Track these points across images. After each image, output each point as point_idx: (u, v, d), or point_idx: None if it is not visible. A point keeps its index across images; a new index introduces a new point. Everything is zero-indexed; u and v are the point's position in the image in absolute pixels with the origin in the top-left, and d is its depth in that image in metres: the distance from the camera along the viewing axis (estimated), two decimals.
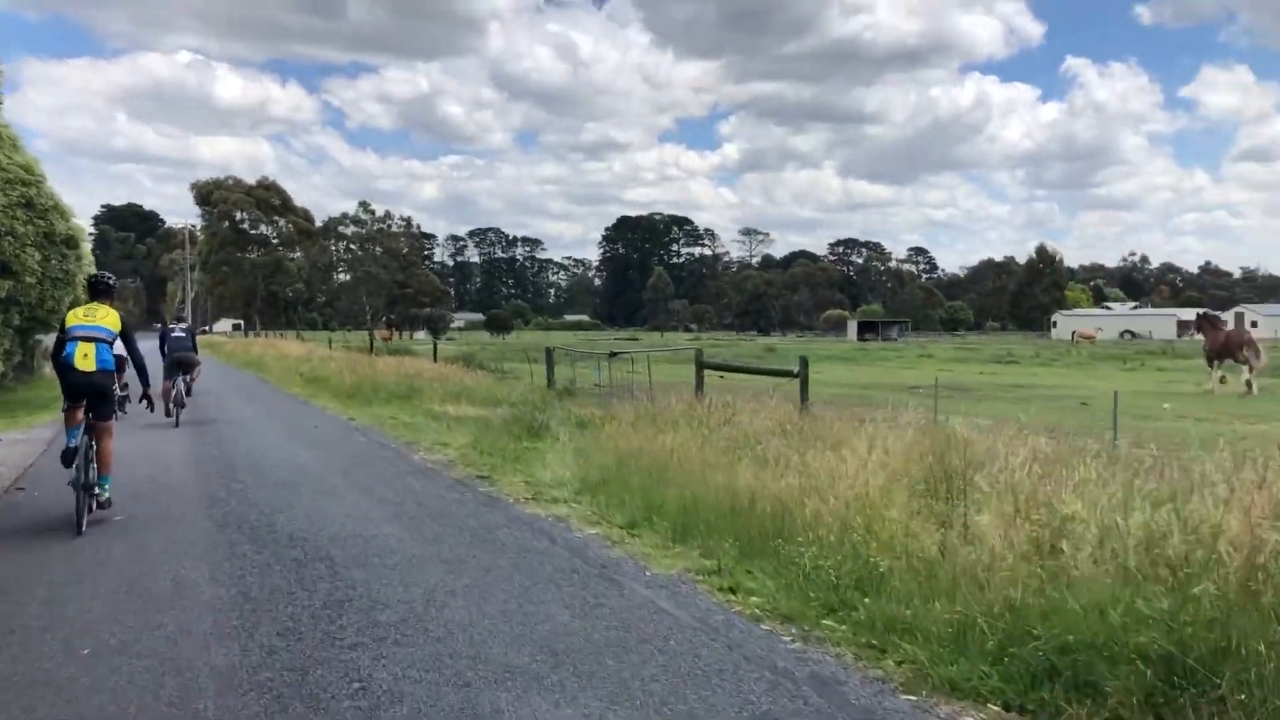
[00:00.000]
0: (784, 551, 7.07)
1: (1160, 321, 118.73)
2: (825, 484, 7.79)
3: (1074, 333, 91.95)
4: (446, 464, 13.04)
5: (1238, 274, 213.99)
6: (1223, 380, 27.09)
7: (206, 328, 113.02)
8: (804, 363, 14.01)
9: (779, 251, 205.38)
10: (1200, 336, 31.05)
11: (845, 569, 6.57)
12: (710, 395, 15.16)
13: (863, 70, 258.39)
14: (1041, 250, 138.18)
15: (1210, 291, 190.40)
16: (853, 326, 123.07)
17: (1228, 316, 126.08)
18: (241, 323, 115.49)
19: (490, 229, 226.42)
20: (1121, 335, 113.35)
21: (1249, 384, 25.99)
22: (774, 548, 7.22)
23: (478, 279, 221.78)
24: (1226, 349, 27.45)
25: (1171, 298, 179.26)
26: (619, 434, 12.78)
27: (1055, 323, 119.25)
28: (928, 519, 6.88)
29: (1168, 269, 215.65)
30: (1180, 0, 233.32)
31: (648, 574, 7.18)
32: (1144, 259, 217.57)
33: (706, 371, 16.70)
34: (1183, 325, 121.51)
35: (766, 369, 16.60)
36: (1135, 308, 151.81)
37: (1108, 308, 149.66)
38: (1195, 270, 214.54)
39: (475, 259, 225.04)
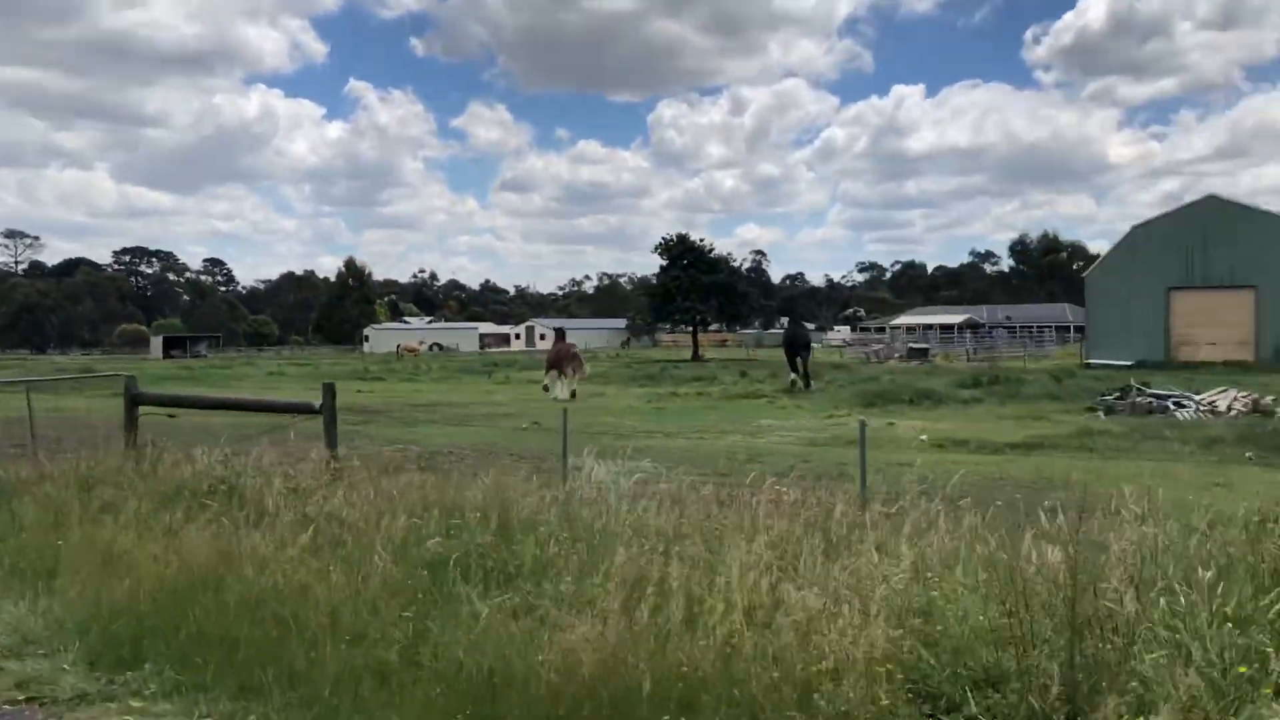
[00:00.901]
0: None
1: (464, 335, 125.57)
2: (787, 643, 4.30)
3: (399, 346, 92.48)
4: None
5: (512, 291, 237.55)
6: (545, 389, 28.78)
7: None
8: (330, 391, 10.17)
9: (51, 259, 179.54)
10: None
11: None
12: (153, 442, 10.52)
13: (139, 69, 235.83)
14: (350, 264, 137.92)
15: (492, 307, 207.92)
16: (157, 343, 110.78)
17: (520, 330, 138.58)
18: None
19: None
20: (430, 348, 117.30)
21: (573, 393, 28.01)
22: None
23: None
24: (559, 361, 29.61)
25: (460, 313, 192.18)
26: (88, 526, 7.63)
27: (368, 337, 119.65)
28: None
29: (454, 285, 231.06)
30: (450, 37, 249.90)
31: None
32: (433, 276, 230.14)
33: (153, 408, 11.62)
34: (483, 338, 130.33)
35: (265, 403, 11.91)
36: (431, 321, 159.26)
37: (406, 322, 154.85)
38: (477, 287, 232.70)
39: None
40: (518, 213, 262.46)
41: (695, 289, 66.35)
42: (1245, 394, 19.90)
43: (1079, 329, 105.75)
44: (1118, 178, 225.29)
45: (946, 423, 19.65)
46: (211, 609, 5.61)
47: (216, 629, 5.37)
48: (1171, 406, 19.06)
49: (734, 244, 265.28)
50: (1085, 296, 44.60)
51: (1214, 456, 14.21)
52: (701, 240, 69.37)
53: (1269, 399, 19.37)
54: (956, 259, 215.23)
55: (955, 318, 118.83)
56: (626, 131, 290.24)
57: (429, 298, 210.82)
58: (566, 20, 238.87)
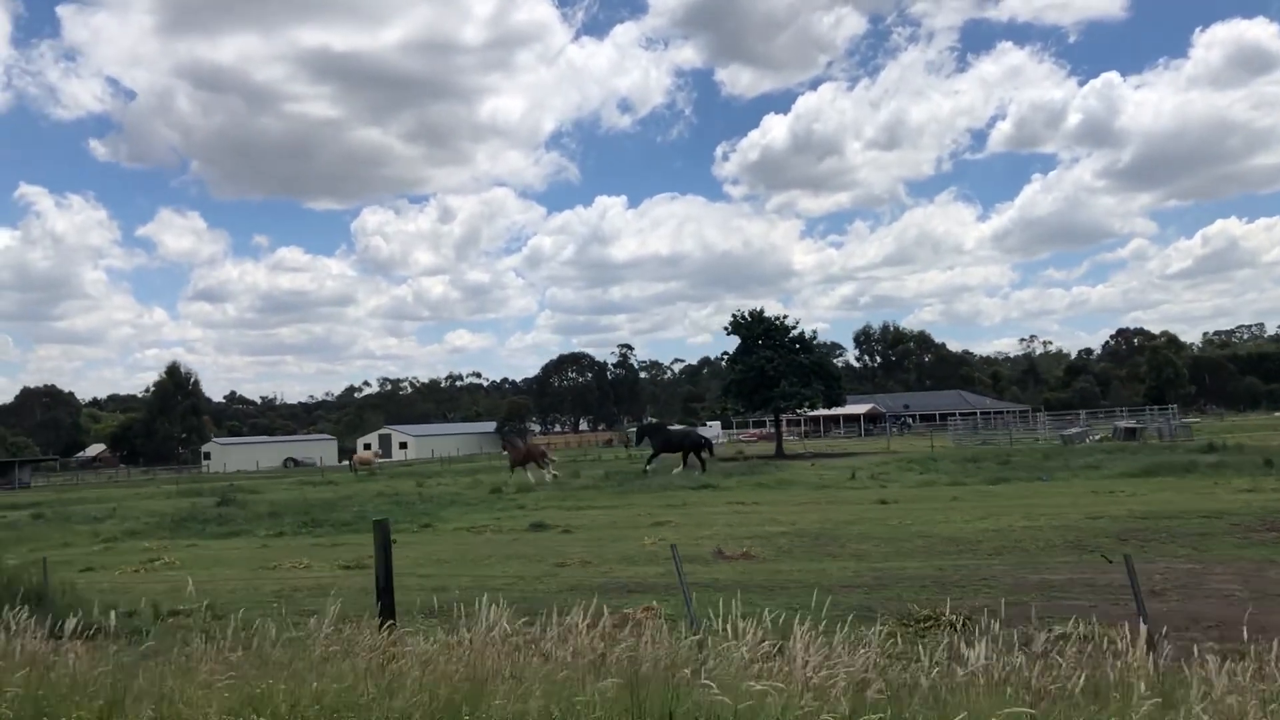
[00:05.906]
0: None
1: (321, 446, 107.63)
2: None
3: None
4: None
5: (259, 401, 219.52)
6: (533, 478, 37.98)
7: None
8: None
9: None
10: (506, 451, 44.98)
11: None
12: None
13: None
14: (174, 372, 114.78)
15: (251, 421, 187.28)
16: None
17: (373, 439, 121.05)
18: None
19: None
20: (285, 463, 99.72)
21: (555, 476, 39.14)
22: None
23: None
24: (529, 456, 40.71)
25: (219, 428, 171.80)
26: None
27: (209, 454, 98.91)
28: None
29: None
30: (135, 141, 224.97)
31: None
32: None
33: None
34: (341, 451, 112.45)
35: None
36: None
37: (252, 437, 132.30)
38: (222, 400, 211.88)
39: None
40: (211, 324, 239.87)
41: (793, 371, 56.51)
42: None
43: (985, 415, 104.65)
44: (801, 283, 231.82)
45: None
46: None
47: None
48: None
49: (444, 350, 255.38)
50: None
51: None
52: (784, 318, 59.54)
53: None
54: (668, 358, 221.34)
55: (859, 408, 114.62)
56: (329, 239, 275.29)
57: None
58: (265, 126, 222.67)
